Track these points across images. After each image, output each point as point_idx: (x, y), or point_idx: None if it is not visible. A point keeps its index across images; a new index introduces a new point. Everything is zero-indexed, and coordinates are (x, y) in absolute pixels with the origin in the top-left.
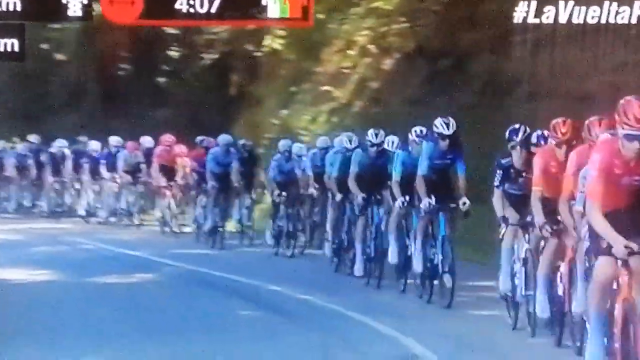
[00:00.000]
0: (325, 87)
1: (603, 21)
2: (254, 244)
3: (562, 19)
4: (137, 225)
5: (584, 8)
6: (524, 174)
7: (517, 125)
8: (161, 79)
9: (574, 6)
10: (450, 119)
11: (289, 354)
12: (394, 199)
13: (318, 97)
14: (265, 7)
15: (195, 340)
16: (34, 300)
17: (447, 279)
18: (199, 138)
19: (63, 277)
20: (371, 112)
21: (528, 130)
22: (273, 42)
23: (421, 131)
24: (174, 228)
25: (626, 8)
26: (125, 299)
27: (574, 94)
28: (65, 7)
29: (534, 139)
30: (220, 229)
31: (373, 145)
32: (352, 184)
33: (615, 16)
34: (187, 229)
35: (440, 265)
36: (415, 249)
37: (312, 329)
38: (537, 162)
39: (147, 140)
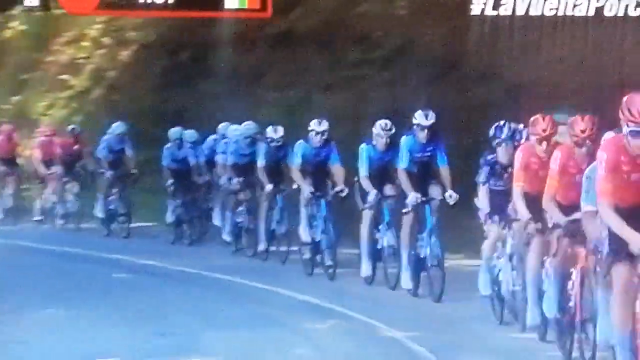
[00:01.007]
0: (61, 76)
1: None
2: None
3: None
4: None
5: None
6: (509, 170)
7: (501, 122)
8: None
9: None
10: (430, 111)
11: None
12: (362, 194)
13: (53, 84)
14: None
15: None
16: None
17: (435, 273)
18: (70, 126)
19: None
20: (111, 99)
21: (513, 126)
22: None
23: (386, 124)
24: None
25: None
26: None
27: (317, 86)
28: None
29: (515, 135)
30: (123, 217)
31: (317, 133)
32: (297, 175)
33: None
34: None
35: (428, 259)
36: (387, 243)
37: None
38: (519, 158)
39: None
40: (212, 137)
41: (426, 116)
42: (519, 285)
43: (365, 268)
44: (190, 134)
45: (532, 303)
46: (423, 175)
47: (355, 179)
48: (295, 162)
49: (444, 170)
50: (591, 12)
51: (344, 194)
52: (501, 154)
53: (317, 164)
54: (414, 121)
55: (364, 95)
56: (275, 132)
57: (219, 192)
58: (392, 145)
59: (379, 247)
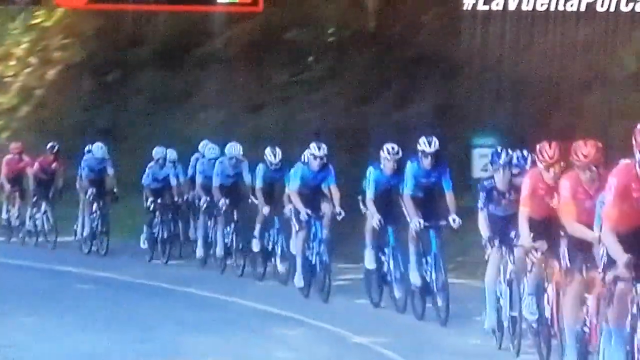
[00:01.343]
0: None
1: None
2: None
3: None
4: None
5: None
6: (507, 196)
7: (499, 148)
8: None
9: None
10: (434, 137)
11: None
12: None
13: None
14: None
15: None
16: None
17: (440, 297)
18: (50, 144)
19: None
20: (39, 117)
21: (510, 152)
22: None
23: (393, 148)
24: None
25: None
26: None
27: (244, 107)
28: None
29: (515, 161)
30: (103, 234)
31: (316, 157)
32: (295, 198)
33: None
34: None
35: (433, 283)
36: (395, 266)
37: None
38: (526, 183)
39: None
40: (196, 155)
41: (429, 143)
42: (517, 311)
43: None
44: (172, 153)
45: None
46: (428, 201)
47: (360, 197)
48: (293, 185)
49: (449, 196)
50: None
51: (340, 217)
52: (499, 180)
53: (315, 187)
54: (418, 148)
55: (293, 116)
56: (274, 156)
57: (201, 211)
58: (399, 169)
59: (384, 270)
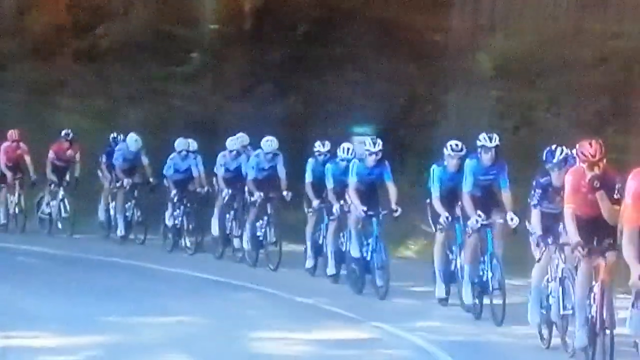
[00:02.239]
0: None
1: None
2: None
3: None
4: None
5: None
6: (561, 193)
7: (553, 147)
8: None
9: None
10: (494, 133)
11: None
12: (434, 215)
13: None
14: None
15: None
16: None
17: (497, 296)
18: (64, 131)
19: None
20: None
21: (565, 150)
22: None
23: (457, 145)
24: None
25: None
26: None
27: (120, 97)
28: None
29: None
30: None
31: (372, 153)
32: (353, 195)
33: None
34: None
35: (490, 282)
36: (460, 264)
37: None
38: (569, 181)
39: None
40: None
41: (490, 139)
42: (570, 309)
43: (440, 290)
44: (192, 144)
45: (579, 326)
46: (486, 199)
47: (427, 200)
48: (351, 181)
49: (506, 193)
50: None
51: (397, 214)
52: (555, 178)
53: (370, 183)
54: (478, 143)
55: (169, 107)
56: (323, 147)
57: (222, 204)
58: (463, 166)
59: (452, 268)
